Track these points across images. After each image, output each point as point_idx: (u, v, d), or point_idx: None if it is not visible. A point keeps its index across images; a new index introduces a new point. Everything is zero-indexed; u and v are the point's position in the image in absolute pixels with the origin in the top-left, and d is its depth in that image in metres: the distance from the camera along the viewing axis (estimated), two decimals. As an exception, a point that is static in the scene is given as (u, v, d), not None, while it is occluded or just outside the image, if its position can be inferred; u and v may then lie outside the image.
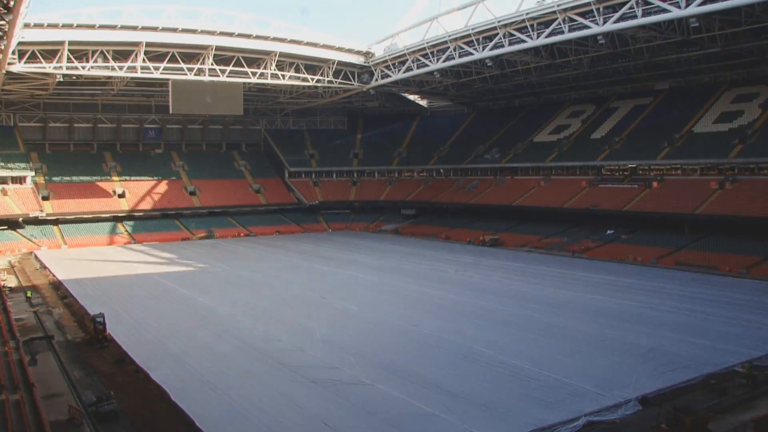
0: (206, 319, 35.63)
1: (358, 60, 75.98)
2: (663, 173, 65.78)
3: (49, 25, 57.97)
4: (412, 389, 23.30)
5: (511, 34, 57.38)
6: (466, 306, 38.00)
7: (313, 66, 74.91)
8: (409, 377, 24.74)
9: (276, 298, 41.93)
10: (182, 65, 67.44)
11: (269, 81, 73.46)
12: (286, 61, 72.61)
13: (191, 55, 67.92)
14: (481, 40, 60.73)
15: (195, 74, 68.79)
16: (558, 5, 51.59)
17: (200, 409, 21.52)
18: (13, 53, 56.64)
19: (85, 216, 78.57)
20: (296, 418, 21.07)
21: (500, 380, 24.45)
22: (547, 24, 54.07)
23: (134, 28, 62.19)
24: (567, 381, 23.95)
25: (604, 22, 49.56)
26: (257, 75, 71.59)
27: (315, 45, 72.31)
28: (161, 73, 67.18)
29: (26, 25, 53.57)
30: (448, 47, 64.11)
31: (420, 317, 35.19)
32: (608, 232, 64.33)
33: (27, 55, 59.05)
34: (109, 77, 68.90)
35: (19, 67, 59.28)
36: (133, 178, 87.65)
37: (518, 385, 23.89)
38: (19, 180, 78.73)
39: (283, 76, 73.32)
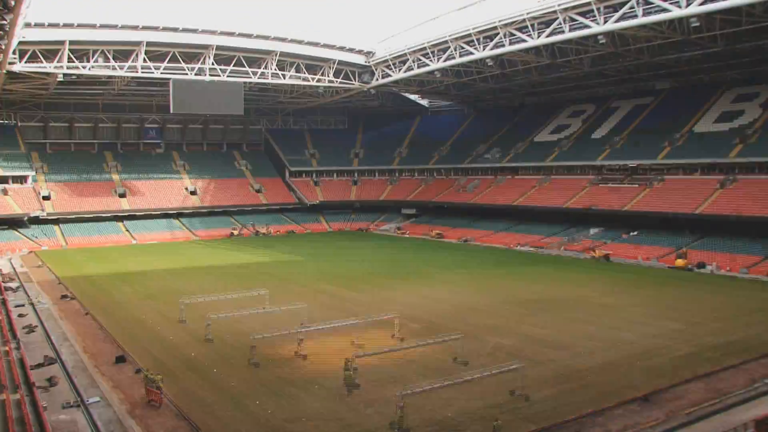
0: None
1: (358, 59, 75.97)
2: (663, 173, 65.77)
3: (50, 25, 58.01)
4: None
5: (512, 34, 57.39)
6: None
7: (313, 65, 74.92)
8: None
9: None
10: (183, 65, 67.48)
11: (270, 80, 73.47)
12: (286, 61, 72.63)
13: (192, 54, 67.95)
14: (481, 39, 60.73)
15: (196, 74, 68.80)
16: (559, 5, 51.54)
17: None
18: (14, 53, 56.68)
19: (85, 216, 78.66)
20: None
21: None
22: (548, 23, 54.08)
23: (135, 27, 62.22)
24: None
25: (605, 22, 49.55)
26: (258, 74, 71.61)
27: (316, 44, 72.35)
28: (162, 73, 67.22)
29: (27, 25, 53.59)
30: (449, 47, 64.10)
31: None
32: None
33: (28, 55, 59.10)
34: (110, 77, 68.96)
35: (20, 66, 59.32)
36: (133, 177, 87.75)
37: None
38: (20, 180, 78.82)
39: (284, 75, 73.34)
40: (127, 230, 79.11)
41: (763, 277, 46.54)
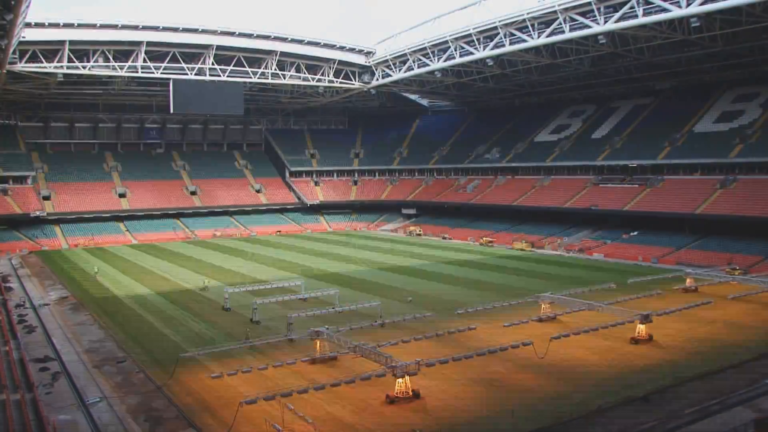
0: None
1: (359, 59, 76.01)
2: (663, 173, 65.73)
3: (50, 25, 58.13)
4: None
5: (512, 34, 57.42)
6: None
7: (313, 65, 74.97)
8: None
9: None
10: (183, 65, 67.51)
11: (270, 81, 73.54)
12: (287, 61, 72.68)
13: (192, 54, 68.01)
14: (482, 39, 60.78)
15: (196, 74, 68.87)
16: (559, 5, 51.61)
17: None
18: (14, 53, 56.71)
19: (85, 216, 78.63)
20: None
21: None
22: (548, 23, 54.13)
23: (135, 27, 62.35)
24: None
25: (605, 22, 49.61)
26: (258, 75, 71.64)
27: (316, 44, 72.41)
28: (162, 73, 67.29)
29: (27, 25, 53.63)
30: (449, 47, 64.11)
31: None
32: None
33: (28, 55, 59.19)
34: (110, 77, 68.99)
35: (20, 66, 59.36)
36: (133, 177, 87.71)
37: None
38: (21, 180, 78.77)
39: (284, 75, 73.38)
40: (127, 230, 79.08)
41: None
